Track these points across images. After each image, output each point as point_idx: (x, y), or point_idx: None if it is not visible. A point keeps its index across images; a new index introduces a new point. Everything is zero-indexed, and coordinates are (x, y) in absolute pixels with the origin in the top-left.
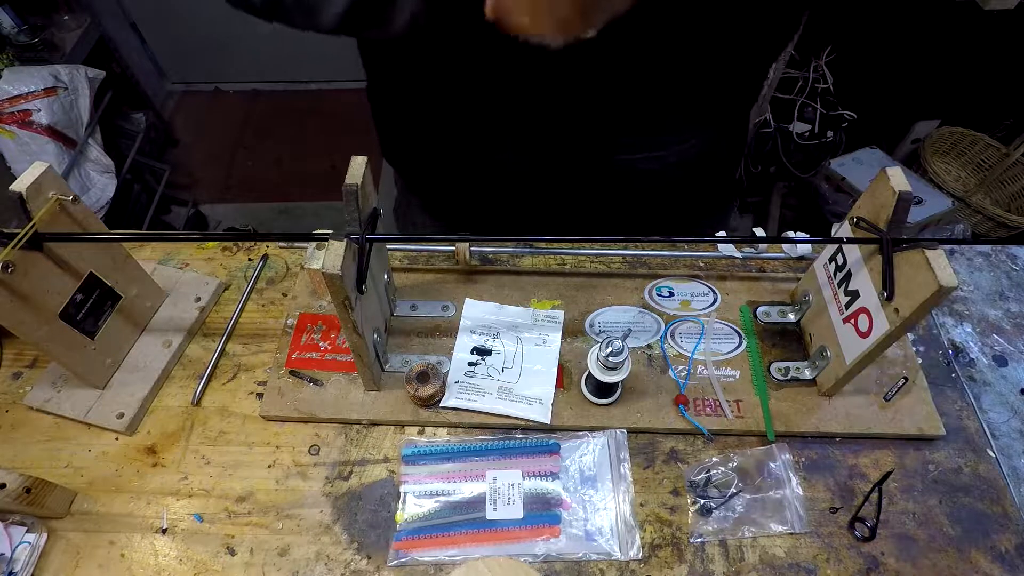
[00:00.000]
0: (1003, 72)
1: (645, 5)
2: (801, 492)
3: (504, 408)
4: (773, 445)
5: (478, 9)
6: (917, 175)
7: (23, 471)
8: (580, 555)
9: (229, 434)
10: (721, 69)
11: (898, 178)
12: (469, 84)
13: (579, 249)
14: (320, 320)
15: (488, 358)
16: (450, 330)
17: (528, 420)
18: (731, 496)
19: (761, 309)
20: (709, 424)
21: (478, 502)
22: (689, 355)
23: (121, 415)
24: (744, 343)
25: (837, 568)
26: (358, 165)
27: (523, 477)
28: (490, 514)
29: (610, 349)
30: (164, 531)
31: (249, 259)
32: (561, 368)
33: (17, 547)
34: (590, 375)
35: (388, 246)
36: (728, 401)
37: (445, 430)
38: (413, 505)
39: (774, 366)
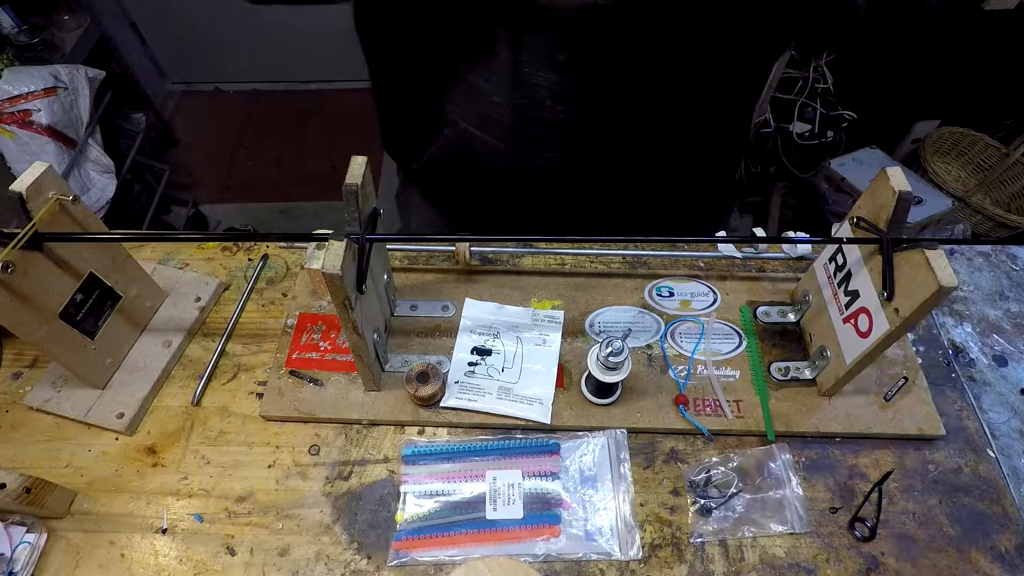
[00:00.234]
0: (1003, 72)
1: (646, 9)
2: (801, 492)
3: (504, 408)
4: (773, 445)
5: None
6: (917, 175)
7: (23, 471)
8: (580, 555)
9: (229, 434)
10: (722, 70)
11: (898, 178)
12: (471, 80)
13: (579, 249)
14: (320, 320)
15: (488, 358)
16: (450, 330)
17: (528, 420)
18: (731, 496)
19: (761, 309)
20: (709, 424)
21: (478, 502)
22: (689, 355)
23: (121, 415)
24: (744, 343)
25: (837, 568)
26: (358, 165)
27: (523, 477)
28: (490, 514)
29: (610, 349)
30: (164, 531)
31: (249, 259)
32: (561, 368)
33: (17, 547)
34: (590, 375)
35: (388, 246)
36: (728, 401)
37: (445, 430)
38: (413, 505)
39: (774, 366)
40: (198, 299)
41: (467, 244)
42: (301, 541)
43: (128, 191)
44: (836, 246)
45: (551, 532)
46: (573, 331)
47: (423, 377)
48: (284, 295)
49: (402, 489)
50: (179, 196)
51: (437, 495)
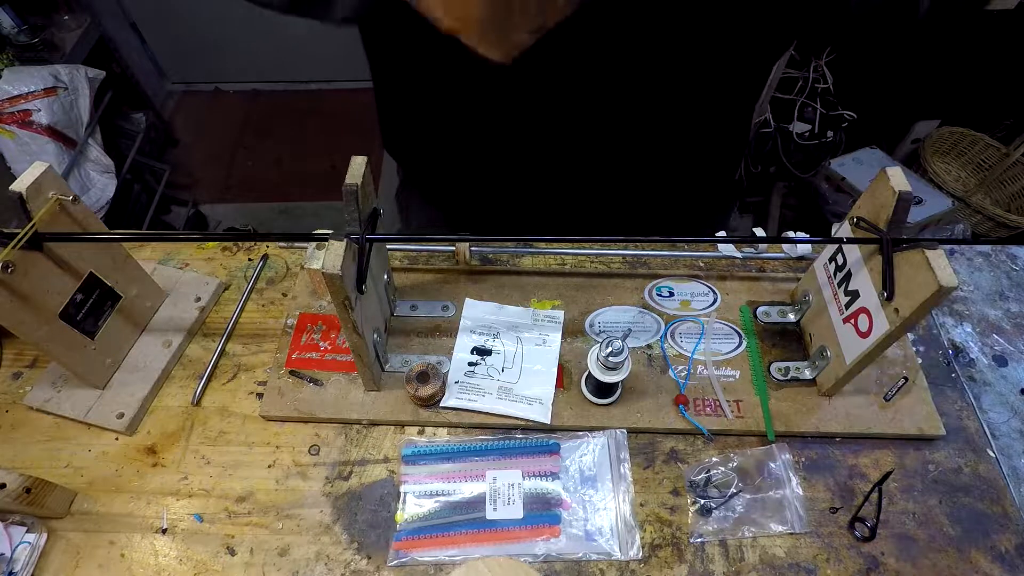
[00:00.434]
0: (1003, 72)
1: (645, 8)
2: (801, 492)
3: (504, 408)
4: (773, 445)
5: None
6: (917, 175)
7: (23, 471)
8: (580, 555)
9: (229, 434)
10: (721, 70)
11: (898, 178)
12: (470, 81)
13: (579, 249)
14: (320, 320)
15: (488, 358)
16: (450, 330)
17: (528, 420)
18: (731, 496)
19: (761, 309)
20: (709, 424)
21: (478, 502)
22: (689, 355)
23: (121, 415)
24: (744, 343)
25: (837, 568)
26: (358, 165)
27: (523, 477)
28: (490, 514)
29: (610, 349)
30: (164, 531)
31: (249, 259)
32: (561, 368)
33: (17, 547)
34: (590, 375)
35: (388, 246)
36: (728, 401)
37: (445, 430)
38: (413, 505)
39: (774, 366)
40: (198, 299)
41: (467, 244)
42: (301, 541)
43: (128, 191)
44: (836, 246)
45: (551, 532)
46: (573, 331)
47: (423, 377)
48: (284, 295)
49: (402, 489)
50: (179, 196)
51: (437, 495)
